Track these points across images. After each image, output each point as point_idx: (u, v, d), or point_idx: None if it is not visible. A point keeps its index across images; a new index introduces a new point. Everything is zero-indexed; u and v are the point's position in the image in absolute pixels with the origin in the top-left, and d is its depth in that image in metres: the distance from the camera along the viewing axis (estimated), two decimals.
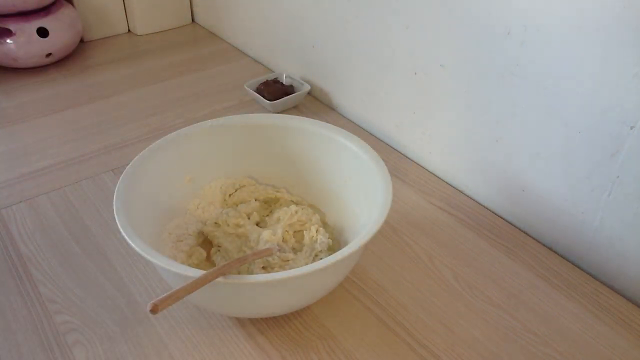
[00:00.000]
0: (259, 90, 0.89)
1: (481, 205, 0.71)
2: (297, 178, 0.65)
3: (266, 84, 0.89)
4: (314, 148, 0.62)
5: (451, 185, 0.74)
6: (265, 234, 0.57)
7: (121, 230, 0.47)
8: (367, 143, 0.59)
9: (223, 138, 0.62)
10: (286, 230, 0.59)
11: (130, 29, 1.17)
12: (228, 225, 0.60)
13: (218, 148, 0.63)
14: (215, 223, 0.61)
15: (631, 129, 0.53)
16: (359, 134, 0.84)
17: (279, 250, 0.55)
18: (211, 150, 0.62)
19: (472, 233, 0.66)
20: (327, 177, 0.62)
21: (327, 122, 0.88)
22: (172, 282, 0.49)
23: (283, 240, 0.58)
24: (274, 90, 0.87)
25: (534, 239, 0.66)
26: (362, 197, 0.57)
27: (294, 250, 0.58)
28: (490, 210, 0.70)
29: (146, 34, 1.15)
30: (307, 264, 0.56)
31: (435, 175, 0.76)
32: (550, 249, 0.64)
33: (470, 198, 0.72)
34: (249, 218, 0.62)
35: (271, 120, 0.63)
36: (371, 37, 0.77)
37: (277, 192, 0.65)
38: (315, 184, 0.64)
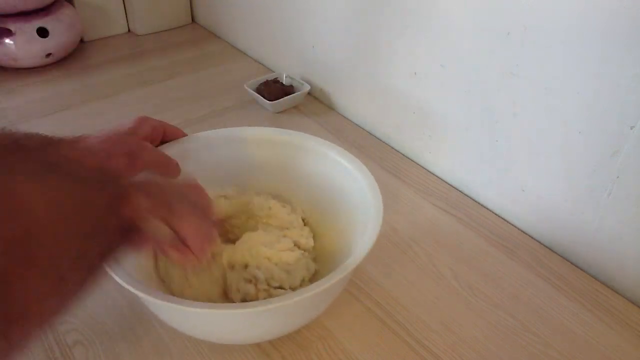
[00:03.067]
0: (259, 90, 0.89)
1: (481, 205, 0.70)
2: (290, 191, 0.62)
3: (266, 84, 0.89)
4: (306, 163, 0.60)
5: (451, 185, 0.74)
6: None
7: None
8: (361, 161, 0.56)
9: (216, 151, 0.61)
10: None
11: (130, 29, 1.17)
12: None
13: (210, 161, 0.60)
14: None
15: (631, 129, 0.52)
16: (359, 134, 0.84)
17: None
18: (204, 164, 0.60)
19: (472, 233, 0.66)
20: (319, 191, 0.60)
21: (327, 122, 0.88)
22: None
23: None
24: (274, 90, 0.87)
25: (534, 239, 0.66)
26: (354, 215, 0.54)
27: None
28: (490, 211, 0.70)
29: (146, 34, 1.15)
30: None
31: (435, 175, 0.76)
32: (550, 249, 0.64)
33: (470, 198, 0.72)
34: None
35: (267, 134, 0.61)
36: (371, 37, 0.77)
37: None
38: (308, 198, 0.61)
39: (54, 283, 0.29)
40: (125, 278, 0.43)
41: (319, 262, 0.57)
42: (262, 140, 0.61)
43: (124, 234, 0.38)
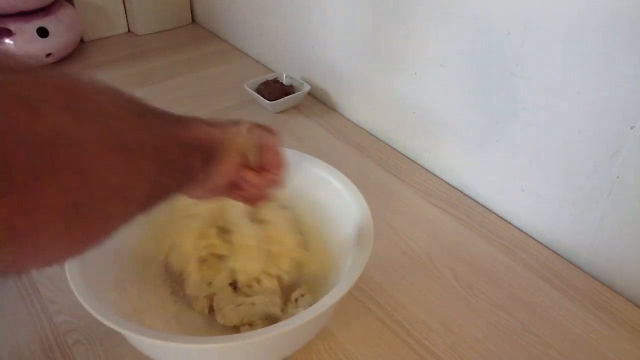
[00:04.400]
0: (259, 90, 0.89)
1: (481, 205, 0.70)
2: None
3: (266, 84, 0.89)
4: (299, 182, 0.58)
5: (451, 185, 0.74)
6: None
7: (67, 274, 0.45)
8: (351, 181, 0.55)
9: None
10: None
11: (130, 29, 1.17)
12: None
13: None
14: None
15: (631, 129, 0.52)
16: (359, 134, 0.84)
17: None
18: None
19: (472, 233, 0.66)
20: (309, 211, 0.58)
21: (327, 122, 0.88)
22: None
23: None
24: (274, 90, 0.87)
25: (534, 238, 0.66)
26: (345, 237, 0.53)
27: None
28: (490, 210, 0.70)
29: (146, 34, 1.15)
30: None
31: (435, 175, 0.76)
32: (550, 248, 0.64)
33: (470, 198, 0.72)
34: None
35: None
36: (371, 37, 0.77)
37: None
38: (297, 218, 0.58)
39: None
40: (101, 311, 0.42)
41: (311, 281, 0.56)
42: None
43: (190, 162, 0.37)
